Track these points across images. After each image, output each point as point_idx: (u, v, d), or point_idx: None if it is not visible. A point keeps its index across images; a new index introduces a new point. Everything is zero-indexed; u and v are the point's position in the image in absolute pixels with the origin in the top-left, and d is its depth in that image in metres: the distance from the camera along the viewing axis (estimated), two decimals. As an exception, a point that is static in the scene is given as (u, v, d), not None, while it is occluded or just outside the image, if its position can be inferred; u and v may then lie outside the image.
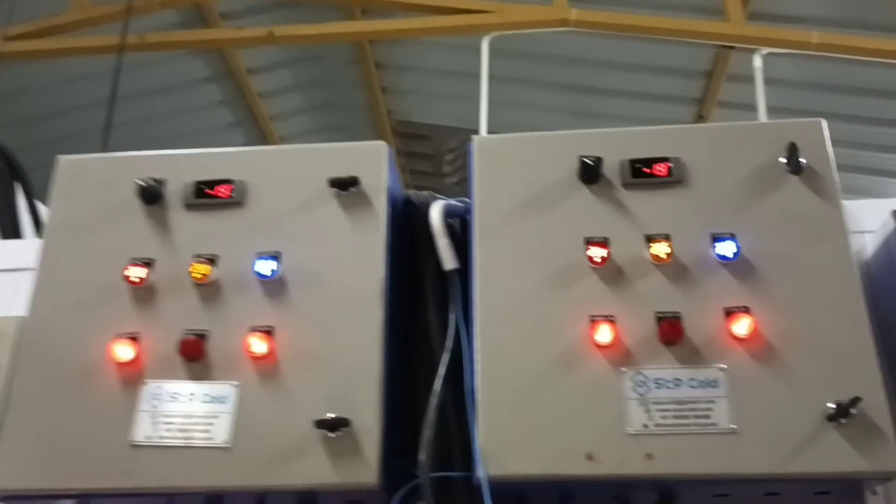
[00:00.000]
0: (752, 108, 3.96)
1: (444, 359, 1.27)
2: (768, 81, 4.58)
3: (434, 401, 1.22)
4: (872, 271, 1.50)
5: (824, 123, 1.35)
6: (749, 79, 3.98)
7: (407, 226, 1.45)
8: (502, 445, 1.17)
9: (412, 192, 1.52)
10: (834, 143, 1.34)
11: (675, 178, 1.32)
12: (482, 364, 1.22)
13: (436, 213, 1.41)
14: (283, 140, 6.06)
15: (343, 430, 1.18)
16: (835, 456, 1.13)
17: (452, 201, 1.48)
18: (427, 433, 1.19)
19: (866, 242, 1.54)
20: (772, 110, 4.67)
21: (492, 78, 3.97)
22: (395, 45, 5.20)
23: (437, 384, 1.24)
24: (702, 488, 1.20)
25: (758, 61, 3.81)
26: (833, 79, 4.58)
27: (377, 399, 1.21)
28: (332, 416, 1.17)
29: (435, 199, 1.47)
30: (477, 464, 1.16)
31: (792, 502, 1.25)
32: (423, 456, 1.17)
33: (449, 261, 1.37)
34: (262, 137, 5.86)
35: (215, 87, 5.66)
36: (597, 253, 1.26)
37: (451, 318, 1.31)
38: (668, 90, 4.90)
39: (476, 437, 1.17)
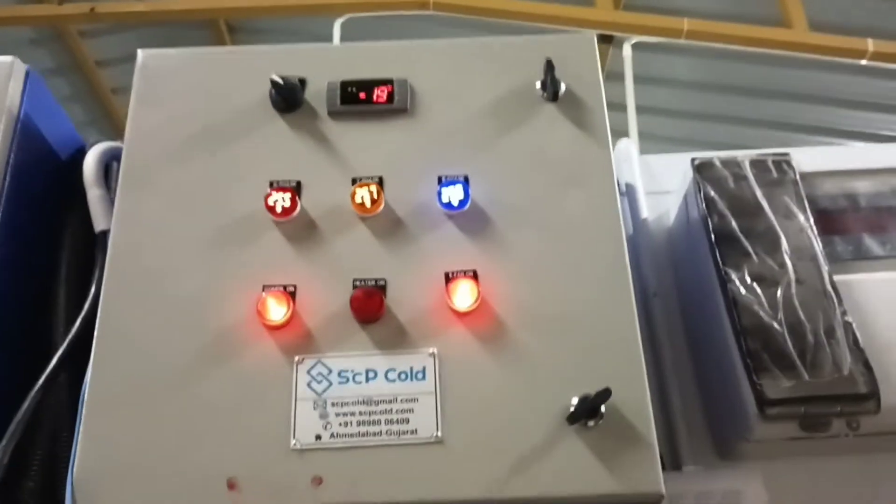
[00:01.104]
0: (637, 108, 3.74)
1: (59, 353, 0.90)
2: (653, 81, 4.40)
3: (26, 408, 0.85)
4: (674, 237, 1.21)
5: (594, 38, 1.05)
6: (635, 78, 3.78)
7: (72, 182, 1.09)
8: (107, 472, 0.80)
9: (92, 140, 1.16)
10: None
11: (398, 106, 0.99)
12: (96, 358, 0.85)
13: (91, 157, 1.05)
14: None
15: None
16: (576, 472, 0.80)
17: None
18: (-1, 456, 0.81)
19: (670, 205, 1.25)
20: (660, 111, 4.49)
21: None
22: (258, 36, 4.81)
23: (36, 388, 0.87)
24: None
25: (627, 50, 3.60)
26: (723, 79, 4.45)
27: (-64, 409, 0.83)
28: None
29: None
30: (66, 501, 0.79)
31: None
32: (-16, 490, 0.80)
33: (100, 219, 1.01)
34: (120, 134, 5.35)
35: (63, 81, 5.14)
36: (280, 200, 0.92)
37: (89, 297, 0.95)
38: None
39: (73, 462, 0.81)
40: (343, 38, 3.55)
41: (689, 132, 4.62)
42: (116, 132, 5.73)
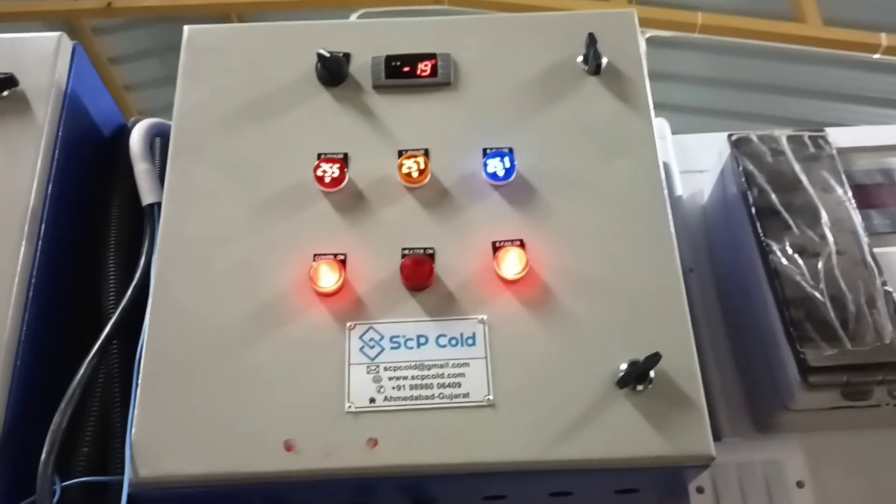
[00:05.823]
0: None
1: (112, 321, 0.91)
2: (666, 77, 4.41)
3: (81, 374, 0.86)
4: (709, 214, 1.22)
5: (635, 14, 1.06)
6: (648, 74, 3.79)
7: (116, 157, 1.10)
8: (164, 436, 0.81)
9: (134, 118, 1.17)
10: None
11: (441, 80, 1.00)
12: (151, 324, 0.86)
13: (138, 133, 1.06)
14: (156, 138, 5.59)
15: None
16: (626, 435, 0.81)
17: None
18: (57, 420, 0.82)
19: (703, 184, 1.26)
20: (673, 107, 4.49)
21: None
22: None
23: (91, 355, 0.87)
24: (462, 486, 0.87)
25: (641, 45, 3.60)
26: (736, 75, 4.45)
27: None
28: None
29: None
30: (126, 464, 0.80)
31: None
32: (45, 455, 0.80)
33: (148, 193, 1.02)
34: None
35: (76, 78, 5.16)
36: (328, 171, 0.93)
37: (140, 268, 0.96)
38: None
39: (129, 426, 0.82)
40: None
41: (701, 128, 4.62)
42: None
